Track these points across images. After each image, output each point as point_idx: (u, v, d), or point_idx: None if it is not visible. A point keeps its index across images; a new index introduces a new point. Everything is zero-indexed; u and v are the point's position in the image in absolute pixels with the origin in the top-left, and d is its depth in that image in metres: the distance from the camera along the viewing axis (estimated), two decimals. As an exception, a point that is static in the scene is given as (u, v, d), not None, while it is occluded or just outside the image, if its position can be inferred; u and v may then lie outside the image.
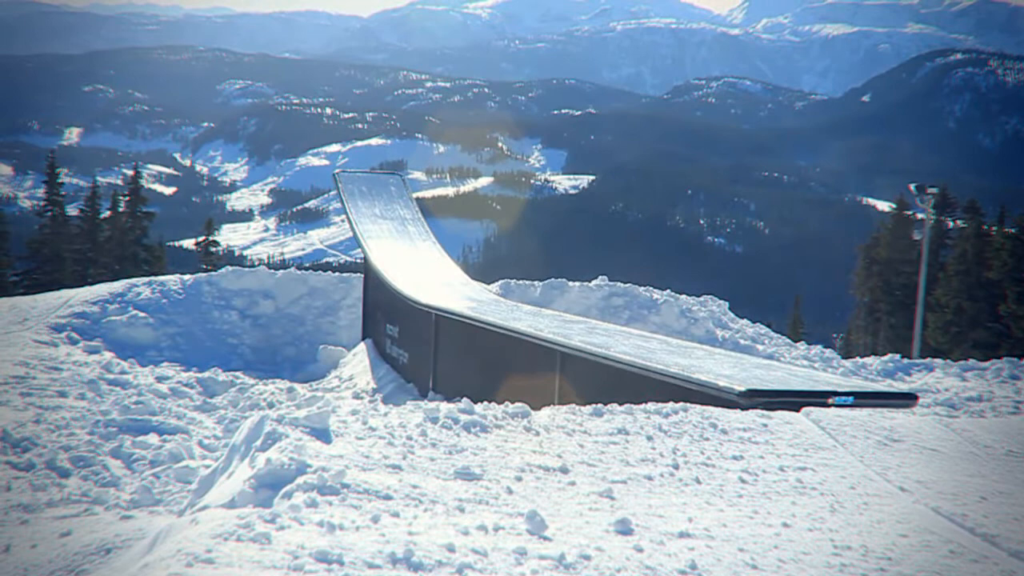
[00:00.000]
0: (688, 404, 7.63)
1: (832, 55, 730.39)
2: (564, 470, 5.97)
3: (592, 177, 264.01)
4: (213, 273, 22.25)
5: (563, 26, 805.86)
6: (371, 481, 5.36)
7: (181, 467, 10.21)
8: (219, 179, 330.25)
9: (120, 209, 47.78)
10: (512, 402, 7.49)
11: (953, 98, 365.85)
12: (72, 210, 50.70)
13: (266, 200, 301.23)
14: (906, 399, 8.84)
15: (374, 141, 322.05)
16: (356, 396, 16.43)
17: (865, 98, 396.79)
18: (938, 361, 18.05)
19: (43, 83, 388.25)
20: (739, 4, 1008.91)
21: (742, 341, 19.44)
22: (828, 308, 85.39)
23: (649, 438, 6.75)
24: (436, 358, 15.63)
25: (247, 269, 22.46)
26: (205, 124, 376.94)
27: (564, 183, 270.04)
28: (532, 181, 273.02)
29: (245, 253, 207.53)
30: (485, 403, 7.50)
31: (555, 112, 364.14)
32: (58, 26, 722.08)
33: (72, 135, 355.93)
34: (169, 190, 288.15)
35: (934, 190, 33.77)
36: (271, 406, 14.53)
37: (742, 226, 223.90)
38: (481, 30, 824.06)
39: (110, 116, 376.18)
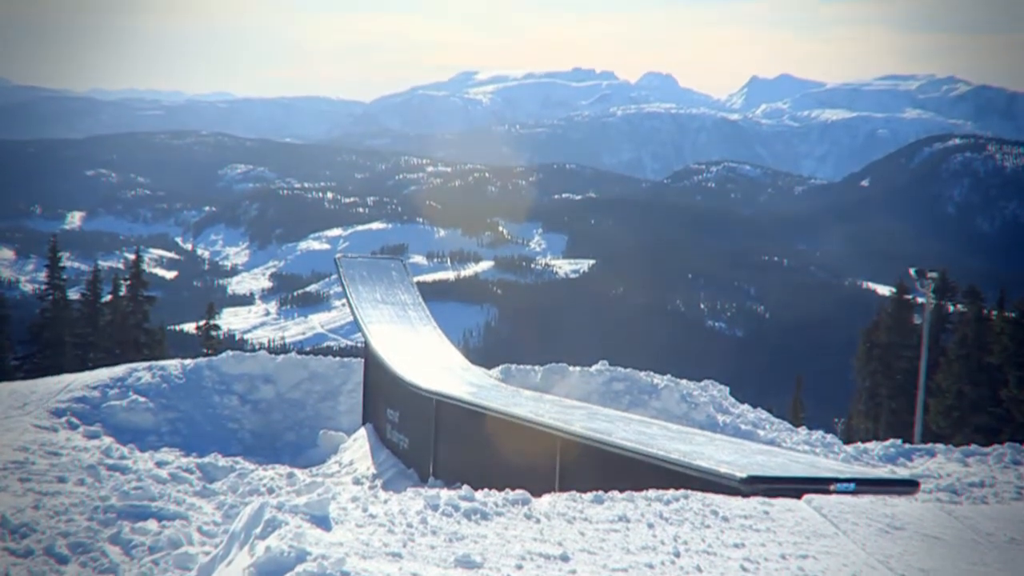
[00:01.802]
0: (689, 491, 7.62)
1: (831, 140, 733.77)
2: (565, 558, 5.95)
3: (592, 261, 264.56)
4: (214, 358, 22.26)
5: (563, 111, 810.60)
6: (371, 569, 5.35)
7: (180, 553, 10.16)
8: (220, 263, 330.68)
9: (121, 293, 47.86)
10: (513, 488, 7.48)
11: (952, 183, 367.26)
12: (73, 294, 50.79)
13: (267, 284, 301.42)
14: (908, 486, 8.83)
15: (375, 225, 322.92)
16: (356, 481, 16.39)
17: (864, 183, 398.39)
18: (940, 446, 18.03)
19: (45, 168, 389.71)
20: (738, 89, 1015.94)
21: (743, 426, 19.42)
22: (829, 393, 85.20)
23: (650, 525, 6.74)
24: (436, 443, 15.61)
25: (247, 354, 22.48)
26: (207, 208, 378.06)
27: (565, 267, 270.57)
28: (533, 265, 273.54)
29: (246, 337, 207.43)
30: (486, 490, 7.49)
31: (556, 196, 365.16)
32: (60, 111, 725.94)
33: (74, 219, 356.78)
34: (170, 274, 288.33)
35: (934, 274, 33.87)
36: (271, 492, 14.49)
37: (742, 310, 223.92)
38: (482, 115, 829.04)
39: (112, 200, 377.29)
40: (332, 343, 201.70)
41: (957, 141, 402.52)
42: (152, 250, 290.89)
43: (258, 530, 6.10)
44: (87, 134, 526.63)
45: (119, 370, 20.90)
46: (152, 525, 11.43)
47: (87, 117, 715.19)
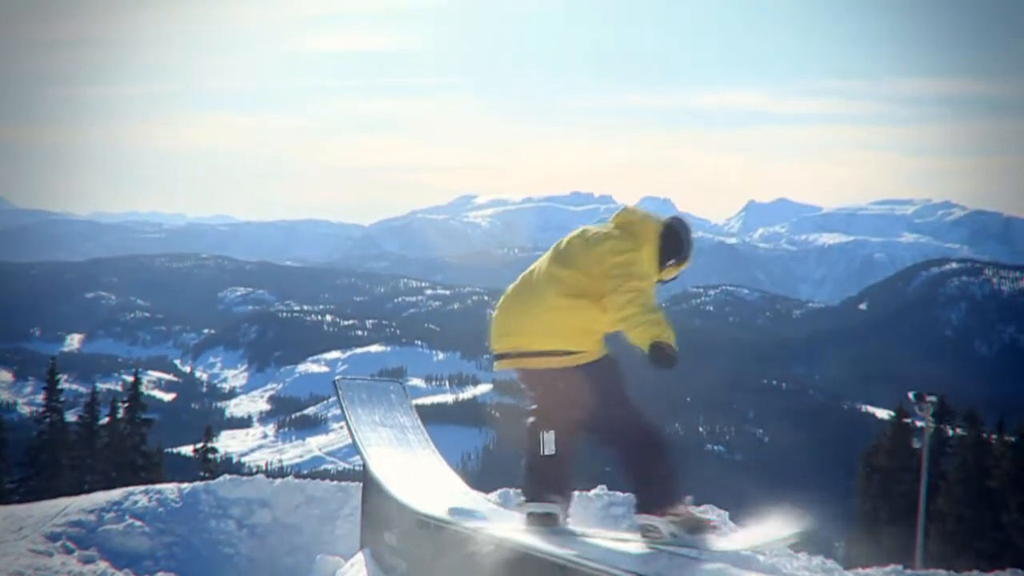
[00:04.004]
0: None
1: (829, 264, 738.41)
2: None
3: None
4: (211, 482, 22.16)
5: (562, 235, 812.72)
6: None
7: None
8: (219, 385, 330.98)
9: (119, 416, 47.82)
10: (511, 615, 7.49)
11: (949, 306, 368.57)
12: (71, 416, 50.76)
13: (265, 407, 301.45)
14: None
15: (374, 348, 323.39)
16: (353, 607, 16.26)
17: (862, 306, 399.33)
18: (941, 572, 17.89)
19: (46, 290, 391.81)
20: (736, 213, 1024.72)
21: (743, 551, 19.29)
22: (829, 516, 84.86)
23: (648, 652, 6.72)
24: (434, 569, 15.52)
25: (245, 478, 22.39)
26: (206, 331, 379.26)
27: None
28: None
29: (243, 460, 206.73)
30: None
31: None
32: (63, 234, 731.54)
33: (73, 341, 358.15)
34: (169, 396, 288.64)
35: (933, 398, 33.89)
36: (267, 617, 14.38)
37: (741, 433, 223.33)
38: (481, 238, 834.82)
39: (111, 323, 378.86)
40: (330, 466, 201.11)
41: (954, 265, 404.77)
42: (151, 372, 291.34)
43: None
44: (88, 256, 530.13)
45: (116, 494, 20.80)
46: (147, 651, 11.36)
47: (89, 240, 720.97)
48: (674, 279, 8.88)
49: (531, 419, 9.12)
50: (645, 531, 8.51)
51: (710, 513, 21.68)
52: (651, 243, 8.51)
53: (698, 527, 8.40)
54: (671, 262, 8.66)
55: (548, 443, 8.93)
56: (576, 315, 8.41)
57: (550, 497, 9.17)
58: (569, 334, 8.44)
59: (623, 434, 8.59)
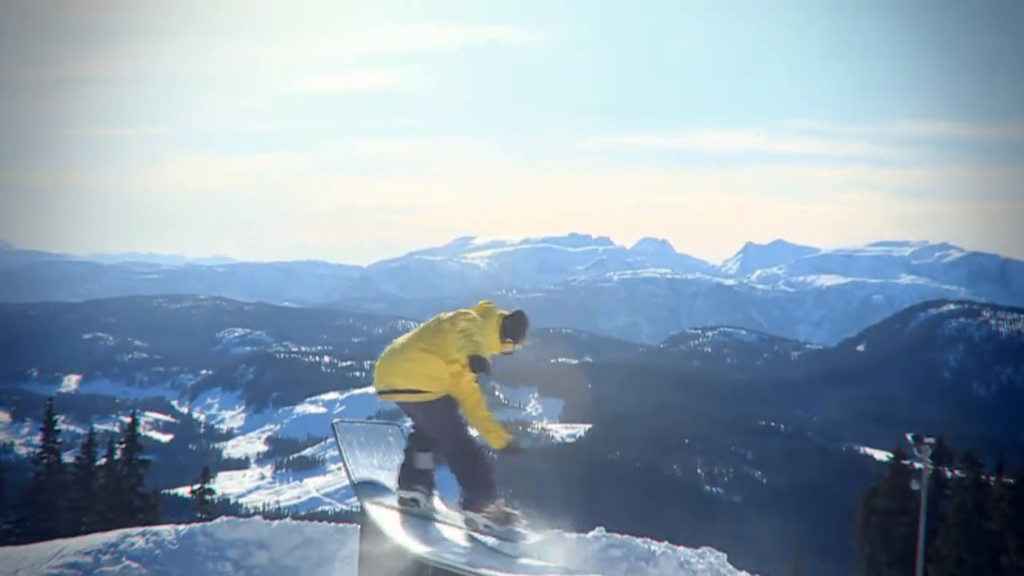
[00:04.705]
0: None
1: (826, 305, 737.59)
2: None
3: (589, 426, 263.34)
4: (208, 523, 22.12)
5: (560, 276, 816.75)
6: None
7: None
8: (216, 426, 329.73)
9: (116, 457, 47.67)
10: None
11: (947, 348, 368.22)
12: (68, 457, 50.62)
13: (263, 448, 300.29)
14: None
15: (372, 389, 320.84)
16: (350, 649, 16.21)
17: (860, 347, 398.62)
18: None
19: (44, 331, 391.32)
20: (733, 255, 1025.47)
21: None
22: (828, 558, 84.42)
23: None
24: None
25: (242, 519, 22.36)
26: (203, 371, 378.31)
27: (561, 432, 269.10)
28: (529, 430, 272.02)
29: (241, 501, 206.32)
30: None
31: (552, 361, 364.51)
32: (62, 275, 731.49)
33: (71, 382, 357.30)
34: (166, 437, 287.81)
35: (931, 440, 33.82)
36: (263, 660, 14.32)
37: (739, 475, 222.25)
38: (479, 279, 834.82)
39: (109, 363, 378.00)
40: (327, 507, 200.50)
41: (951, 307, 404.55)
42: (148, 413, 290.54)
43: None
44: (87, 297, 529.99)
45: (112, 535, 20.77)
46: None
47: (89, 281, 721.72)
48: (508, 354, 12.55)
49: (410, 432, 13.35)
50: (467, 523, 12.21)
51: (709, 556, 21.69)
52: (495, 320, 12.15)
53: (507, 520, 11.93)
54: (509, 339, 12.27)
55: (424, 460, 13.07)
56: (426, 365, 12.08)
57: (415, 487, 12.91)
58: (419, 378, 12.14)
59: (454, 451, 12.12)
